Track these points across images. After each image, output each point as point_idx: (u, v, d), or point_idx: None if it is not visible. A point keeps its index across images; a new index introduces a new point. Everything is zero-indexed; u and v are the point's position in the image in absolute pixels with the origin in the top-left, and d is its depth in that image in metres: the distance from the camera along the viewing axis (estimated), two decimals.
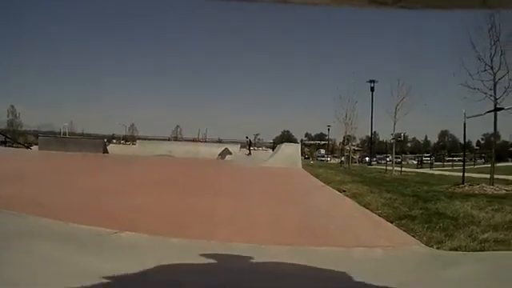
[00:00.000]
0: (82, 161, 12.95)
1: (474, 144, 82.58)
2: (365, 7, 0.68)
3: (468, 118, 8.95)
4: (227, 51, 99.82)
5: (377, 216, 4.53)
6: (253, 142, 34.03)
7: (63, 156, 13.98)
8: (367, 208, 5.06)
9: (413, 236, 3.50)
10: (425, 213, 4.57)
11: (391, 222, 4.12)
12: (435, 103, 79.39)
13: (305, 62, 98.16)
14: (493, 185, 7.43)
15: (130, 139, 50.08)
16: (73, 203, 4.43)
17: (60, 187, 5.80)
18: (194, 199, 5.30)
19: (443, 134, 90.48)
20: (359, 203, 5.49)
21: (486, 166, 20.98)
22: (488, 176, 8.16)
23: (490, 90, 8.06)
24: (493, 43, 7.74)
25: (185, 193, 6.08)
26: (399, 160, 21.40)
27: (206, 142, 37.68)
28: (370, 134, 36.49)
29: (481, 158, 39.56)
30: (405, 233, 3.65)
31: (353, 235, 3.71)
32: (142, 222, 3.71)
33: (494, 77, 7.93)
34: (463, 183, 8.02)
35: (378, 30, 75.01)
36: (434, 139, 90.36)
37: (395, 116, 16.31)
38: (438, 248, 3.10)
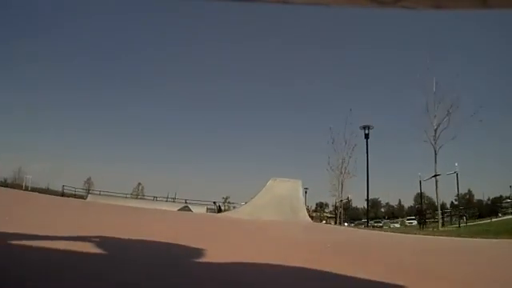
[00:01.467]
0: None
1: (448, 205, 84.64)
2: (365, 7, 0.68)
3: (425, 180, 12.19)
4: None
5: None
6: (222, 206, 29.36)
7: None
8: None
9: None
10: None
11: None
12: (406, 168, 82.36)
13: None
14: None
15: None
16: None
17: None
18: None
19: (418, 196, 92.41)
20: None
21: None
22: None
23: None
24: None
25: None
26: (380, 224, 21.75)
27: (169, 201, 33.46)
28: (366, 192, 23.29)
29: (461, 217, 40.42)
30: None
31: None
32: None
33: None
34: None
35: None
36: (407, 203, 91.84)
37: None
38: None
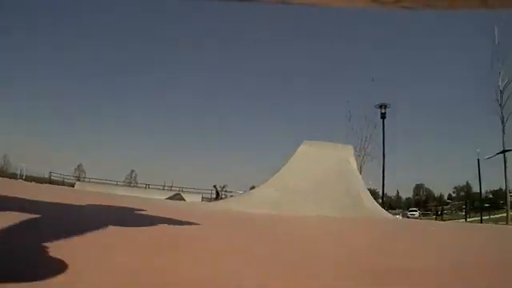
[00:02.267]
0: None
1: (445, 197, 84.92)
2: (365, 7, 0.67)
3: (486, 158, 9.03)
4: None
5: None
6: (220, 193, 26.78)
7: None
8: None
9: None
10: None
11: None
12: (406, 157, 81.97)
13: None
14: None
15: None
16: None
17: None
18: None
19: (418, 188, 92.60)
20: None
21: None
22: None
23: None
24: None
25: None
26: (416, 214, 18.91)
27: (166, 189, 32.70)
28: (382, 178, 19.60)
29: (461, 209, 40.11)
30: None
31: None
32: None
33: None
34: None
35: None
36: (405, 194, 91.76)
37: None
38: None
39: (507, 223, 12.07)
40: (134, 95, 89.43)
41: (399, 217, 25.38)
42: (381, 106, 19.60)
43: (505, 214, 20.62)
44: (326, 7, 0.67)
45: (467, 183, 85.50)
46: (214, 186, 26.07)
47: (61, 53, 76.56)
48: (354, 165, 6.62)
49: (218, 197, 23.76)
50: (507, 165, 13.74)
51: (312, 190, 5.16)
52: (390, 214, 6.19)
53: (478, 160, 23.52)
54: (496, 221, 16.23)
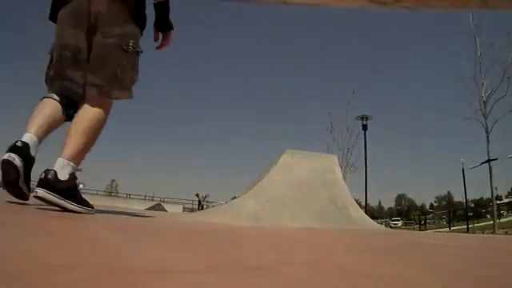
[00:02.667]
0: None
1: (427, 206, 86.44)
2: (365, 7, 0.67)
3: (471, 168, 9.37)
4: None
5: None
6: (202, 202, 25.73)
7: None
8: None
9: None
10: None
11: None
12: (388, 168, 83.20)
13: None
14: None
15: None
16: None
17: None
18: None
19: (400, 198, 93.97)
20: None
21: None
22: None
23: None
24: None
25: None
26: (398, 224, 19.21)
27: (147, 199, 32.41)
28: (364, 190, 18.88)
29: (441, 219, 40.67)
30: None
31: None
32: None
33: None
34: None
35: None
36: (387, 204, 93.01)
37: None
38: None
39: (494, 232, 12.32)
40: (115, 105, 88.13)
41: (383, 226, 24.65)
42: (362, 118, 19.76)
43: (488, 223, 21.08)
44: (326, 7, 0.66)
45: (448, 193, 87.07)
46: (197, 195, 25.18)
47: None
48: (340, 174, 6.26)
49: (199, 206, 23.32)
50: (492, 173, 14.02)
51: (295, 201, 5.06)
52: (379, 225, 5.86)
53: (463, 170, 24.10)
54: (481, 229, 16.48)
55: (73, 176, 1.89)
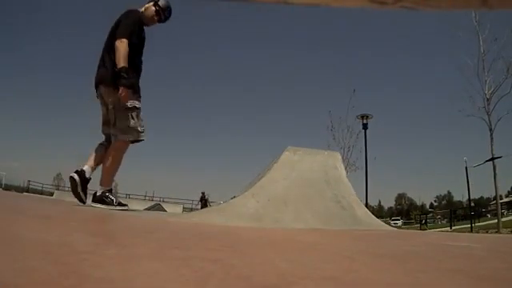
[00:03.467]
0: None
1: (427, 206, 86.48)
2: (365, 7, 0.68)
3: (474, 166, 9.25)
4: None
5: None
6: (207, 201, 24.24)
7: None
8: None
9: None
10: None
11: None
12: (388, 167, 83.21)
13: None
14: None
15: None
16: None
17: None
18: None
19: (400, 197, 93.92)
20: None
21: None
22: None
23: None
24: None
25: None
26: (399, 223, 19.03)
27: (147, 199, 31.99)
28: (365, 190, 18.17)
29: (443, 218, 40.69)
30: None
31: None
32: None
33: None
34: None
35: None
36: (387, 204, 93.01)
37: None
38: None
39: (499, 231, 12.15)
40: None
41: None
42: (363, 117, 19.31)
43: (489, 222, 20.84)
44: (326, 7, 0.66)
45: (448, 192, 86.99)
46: (203, 193, 24.22)
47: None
48: (343, 172, 5.89)
49: (205, 204, 22.53)
50: (496, 172, 13.90)
51: (298, 200, 4.70)
52: (386, 225, 5.37)
53: (466, 168, 23.96)
54: (484, 228, 16.27)
55: (106, 192, 3.80)
